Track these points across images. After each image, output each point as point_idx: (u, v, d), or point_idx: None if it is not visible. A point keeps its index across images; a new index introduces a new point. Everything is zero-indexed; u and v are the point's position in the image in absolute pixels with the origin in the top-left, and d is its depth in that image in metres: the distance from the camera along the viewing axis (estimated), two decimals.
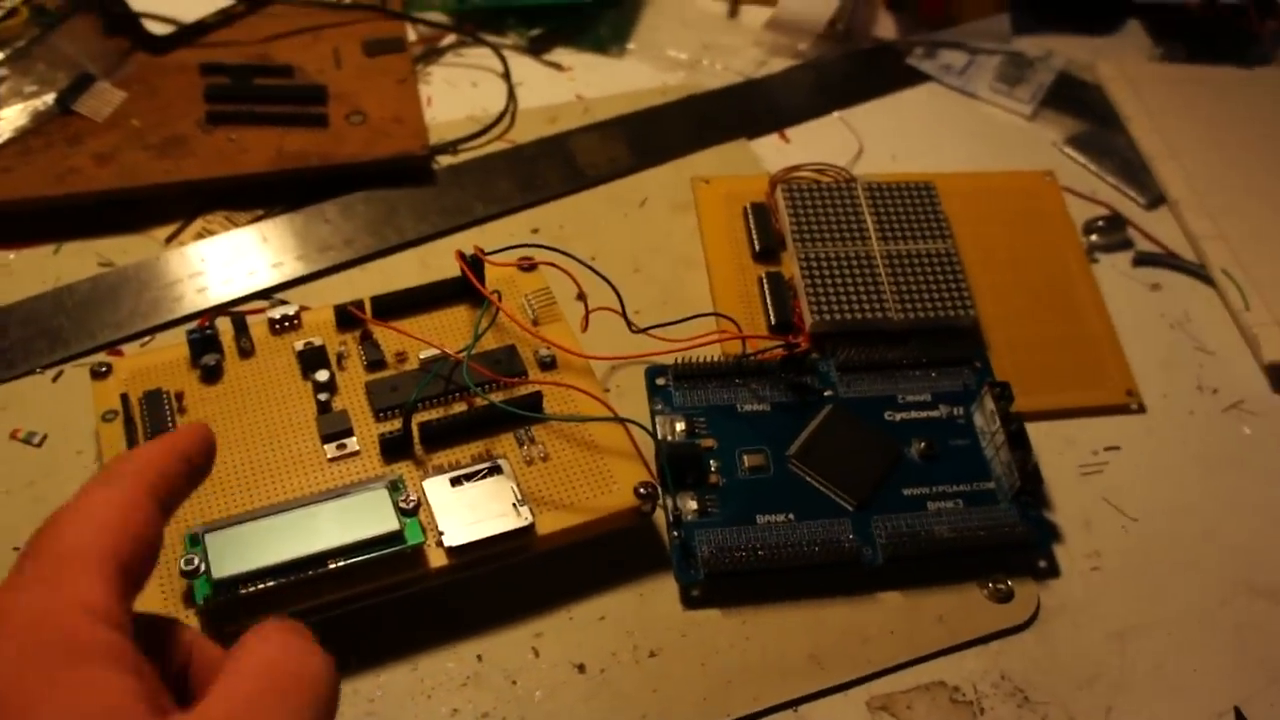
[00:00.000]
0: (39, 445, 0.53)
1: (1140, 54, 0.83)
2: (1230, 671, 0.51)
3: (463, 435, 0.50)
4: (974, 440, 0.56)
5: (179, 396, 0.50)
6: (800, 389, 0.56)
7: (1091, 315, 0.63)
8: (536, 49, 0.76)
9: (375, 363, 0.52)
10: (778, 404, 0.55)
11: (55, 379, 0.55)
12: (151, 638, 0.30)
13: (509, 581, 0.49)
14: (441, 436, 0.50)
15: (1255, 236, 0.68)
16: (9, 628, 0.27)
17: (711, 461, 0.53)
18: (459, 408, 0.51)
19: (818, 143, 0.72)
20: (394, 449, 0.49)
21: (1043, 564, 0.54)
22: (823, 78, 0.77)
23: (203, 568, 0.43)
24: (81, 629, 0.27)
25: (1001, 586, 0.52)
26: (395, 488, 0.47)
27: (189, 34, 0.69)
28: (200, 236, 0.62)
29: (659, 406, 0.54)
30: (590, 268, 0.55)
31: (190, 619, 0.44)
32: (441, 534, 0.46)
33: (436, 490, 0.48)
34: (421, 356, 0.52)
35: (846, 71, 0.78)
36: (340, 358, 0.52)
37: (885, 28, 0.81)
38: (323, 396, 0.51)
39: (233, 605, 0.43)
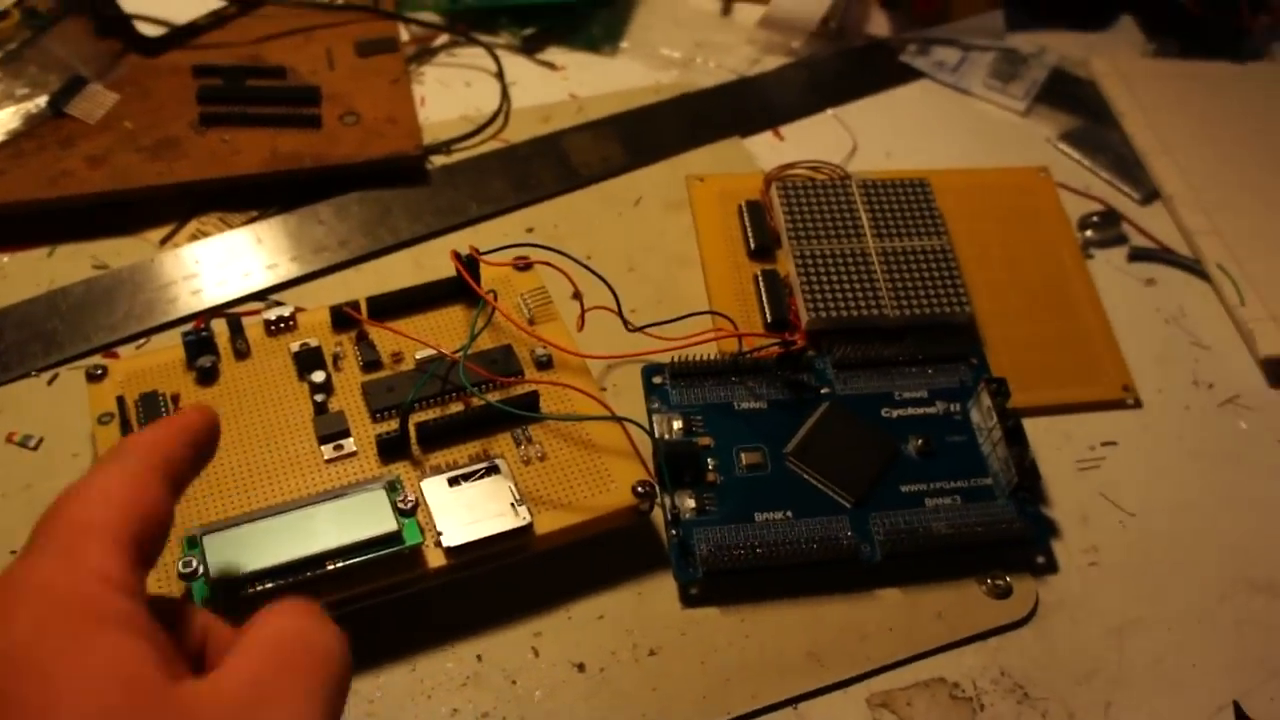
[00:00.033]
0: (35, 448, 0.53)
1: (1133, 49, 0.83)
2: (1229, 666, 0.51)
3: (460, 435, 0.50)
4: (971, 436, 0.56)
5: (175, 399, 0.50)
6: (797, 386, 0.56)
7: (1087, 311, 0.63)
8: (529, 48, 0.76)
9: (371, 363, 0.52)
10: (775, 402, 0.55)
11: (50, 382, 0.55)
12: (166, 618, 0.30)
13: (507, 581, 0.49)
14: (439, 437, 0.50)
15: (1250, 231, 0.69)
16: (26, 597, 0.28)
17: (709, 460, 0.53)
18: (456, 408, 0.51)
19: (812, 140, 0.72)
20: (391, 449, 0.49)
21: (1041, 560, 0.54)
22: (816, 75, 0.77)
23: (200, 570, 0.42)
24: (98, 597, 0.28)
25: (1000, 582, 0.52)
26: (393, 488, 0.47)
27: (181, 35, 0.69)
28: (195, 238, 0.61)
29: (656, 405, 0.54)
30: (586, 267, 0.55)
31: None
32: (440, 534, 0.46)
33: (434, 490, 0.48)
34: (418, 357, 0.52)
35: (840, 69, 0.78)
36: (336, 358, 0.52)
37: (878, 25, 0.81)
38: (319, 397, 0.51)
39: (231, 607, 0.43)
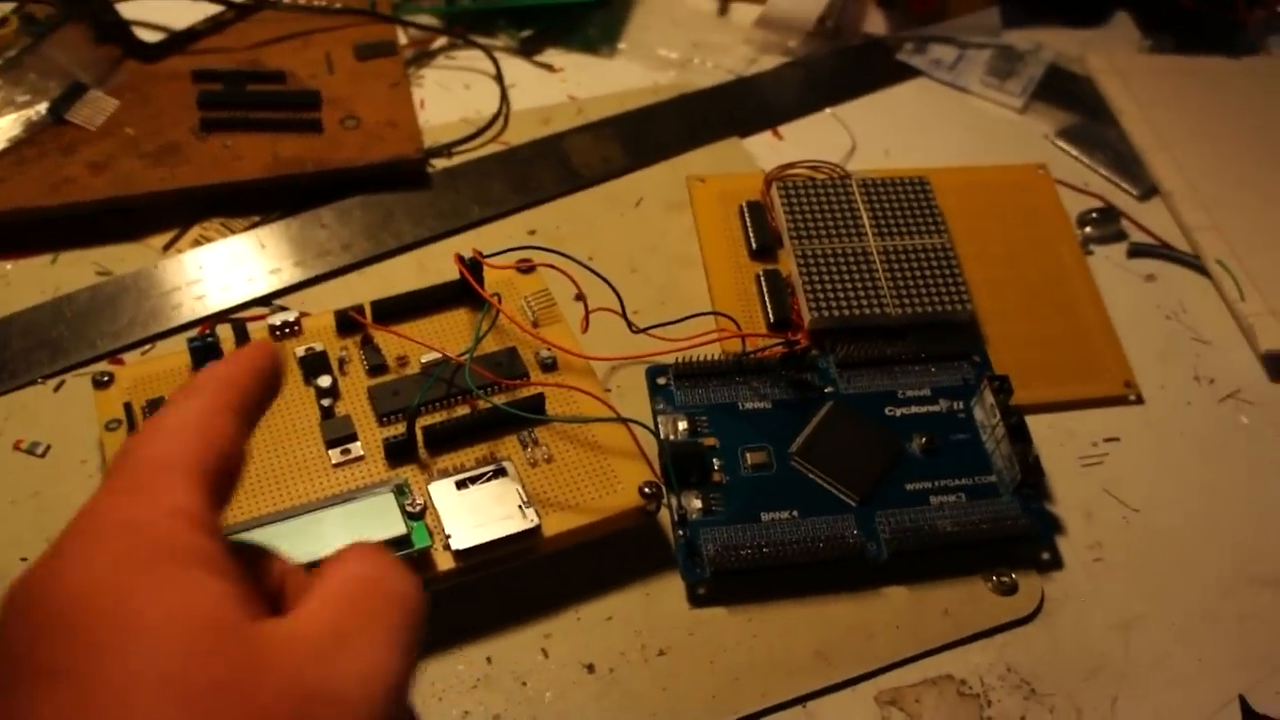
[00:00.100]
0: (42, 455, 0.53)
1: (1129, 46, 0.83)
2: (1234, 660, 0.52)
3: (466, 438, 0.50)
4: (974, 434, 0.56)
5: None
6: (801, 386, 0.56)
7: (1088, 307, 0.64)
8: (528, 50, 0.76)
9: (377, 367, 0.52)
10: (779, 401, 0.55)
11: (57, 389, 0.55)
12: (243, 559, 0.29)
13: (516, 583, 0.49)
14: (445, 440, 0.50)
15: (1248, 226, 0.69)
16: (104, 535, 0.27)
17: (714, 460, 0.53)
18: (462, 411, 0.51)
19: (810, 140, 0.72)
20: (398, 453, 0.49)
21: (1046, 556, 0.54)
22: (814, 75, 0.77)
23: None
24: (176, 533, 0.27)
25: (1005, 579, 0.52)
26: (401, 491, 0.47)
27: (180, 41, 0.69)
28: (197, 244, 0.61)
29: (661, 406, 0.55)
30: (589, 268, 0.55)
31: None
32: (448, 537, 0.46)
33: (442, 493, 0.48)
34: (423, 360, 0.52)
35: (837, 68, 0.78)
36: (342, 363, 0.52)
37: (875, 23, 0.81)
38: (325, 402, 0.51)
39: None
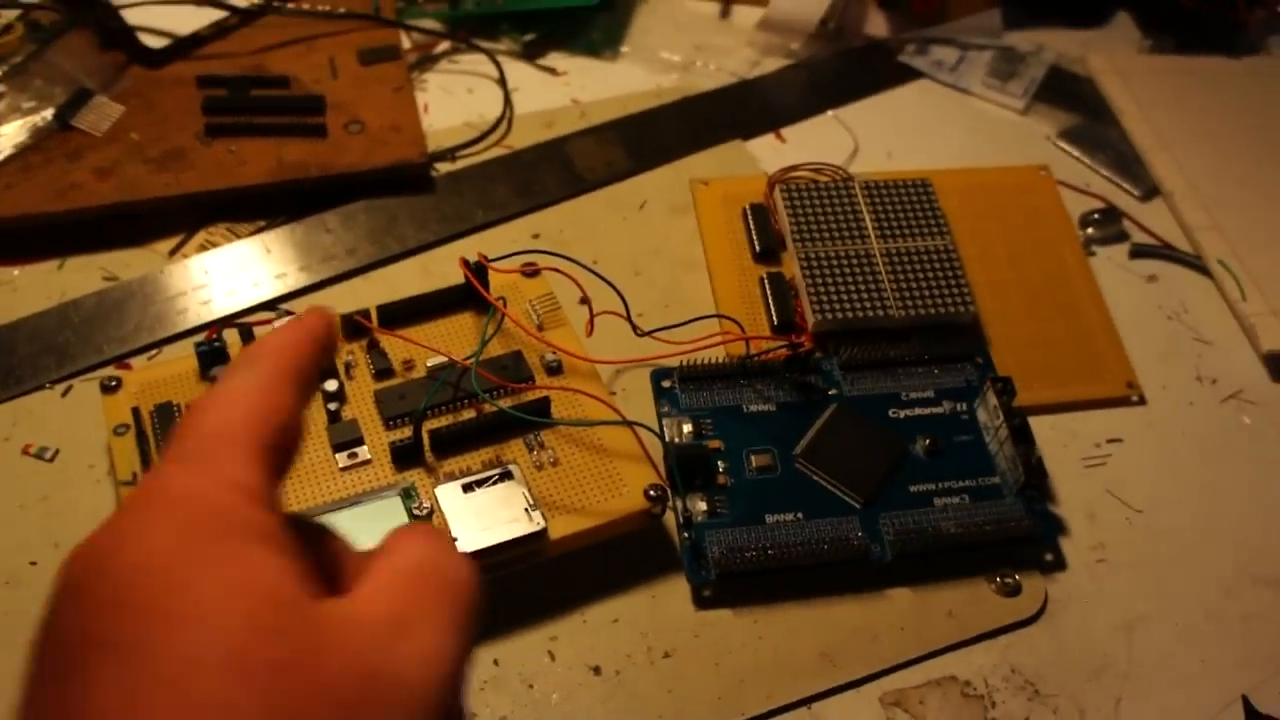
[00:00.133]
0: (51, 460, 0.53)
1: (1130, 46, 0.84)
2: (1237, 660, 0.52)
3: (472, 441, 0.51)
4: (978, 436, 0.56)
5: (190, 409, 0.50)
6: (805, 388, 0.56)
7: (1090, 308, 0.64)
8: (531, 54, 0.76)
9: (383, 371, 0.53)
10: (783, 404, 0.56)
11: (64, 394, 0.55)
12: (302, 538, 0.29)
13: (522, 586, 0.49)
14: (452, 443, 0.50)
15: (1250, 226, 0.69)
16: (164, 507, 0.27)
17: (719, 462, 0.53)
18: (468, 414, 0.51)
19: (813, 142, 0.72)
20: (405, 457, 0.50)
21: (1049, 557, 0.54)
22: (816, 77, 0.78)
23: None
24: (237, 508, 0.27)
25: (1009, 580, 0.53)
26: (408, 495, 0.47)
27: (184, 47, 0.69)
28: (203, 249, 0.62)
29: (665, 409, 0.55)
30: (593, 272, 0.56)
31: None
32: (455, 540, 0.46)
33: (449, 497, 0.48)
34: (429, 364, 0.53)
35: (839, 70, 0.78)
36: (348, 367, 0.53)
37: (876, 25, 0.81)
38: (332, 406, 0.51)
39: None
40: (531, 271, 0.57)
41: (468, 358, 0.51)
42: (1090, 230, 0.68)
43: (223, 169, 0.63)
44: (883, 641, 0.50)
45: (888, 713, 0.49)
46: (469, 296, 0.55)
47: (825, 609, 0.51)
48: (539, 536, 0.47)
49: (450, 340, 0.54)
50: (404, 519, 0.46)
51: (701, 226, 0.65)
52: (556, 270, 0.56)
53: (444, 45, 0.75)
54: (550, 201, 0.66)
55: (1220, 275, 0.66)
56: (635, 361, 0.56)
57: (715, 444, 0.54)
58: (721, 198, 0.65)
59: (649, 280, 0.62)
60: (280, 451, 0.30)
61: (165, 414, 0.50)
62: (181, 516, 0.26)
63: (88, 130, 0.63)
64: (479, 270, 0.54)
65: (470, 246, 0.63)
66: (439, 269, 0.62)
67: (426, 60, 0.75)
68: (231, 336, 0.53)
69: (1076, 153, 0.74)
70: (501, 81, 0.73)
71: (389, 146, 0.65)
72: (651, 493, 0.50)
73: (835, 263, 0.60)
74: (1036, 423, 0.56)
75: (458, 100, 0.72)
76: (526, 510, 0.47)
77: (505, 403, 0.51)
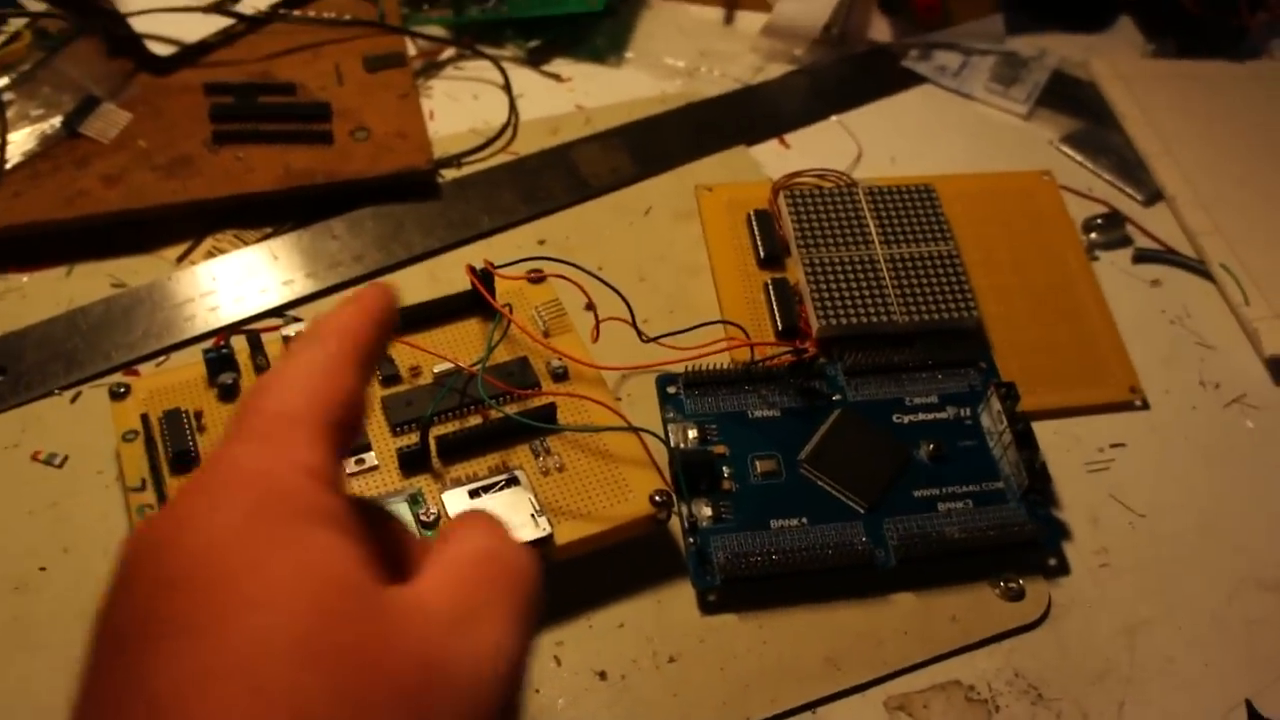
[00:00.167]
0: (60, 466, 0.53)
1: (1133, 50, 0.84)
2: (1240, 665, 0.52)
3: (479, 447, 0.51)
4: (981, 441, 0.56)
5: (198, 415, 0.51)
6: (809, 394, 0.57)
7: (1093, 313, 0.64)
8: (535, 60, 0.76)
9: (390, 377, 0.53)
10: (787, 409, 0.56)
11: (73, 400, 0.56)
12: (366, 522, 0.28)
13: None
14: (458, 449, 0.51)
15: (1252, 230, 0.69)
16: (232, 485, 0.26)
17: (724, 468, 0.54)
18: (474, 420, 0.52)
19: (817, 147, 0.73)
20: (412, 463, 0.50)
21: (1053, 562, 0.54)
22: (819, 82, 0.78)
23: None
24: (306, 490, 0.27)
25: (1013, 585, 0.53)
26: (415, 501, 0.47)
27: (191, 54, 0.69)
28: (210, 255, 0.62)
29: (671, 414, 0.55)
30: (598, 278, 0.56)
31: None
32: None
33: (455, 502, 0.48)
34: (435, 370, 0.53)
35: (843, 75, 0.79)
36: None
37: (880, 31, 0.81)
38: None
39: None
40: (537, 278, 0.57)
41: (474, 364, 0.52)
42: (1093, 235, 0.69)
43: (230, 176, 0.63)
44: (887, 646, 0.51)
45: (892, 717, 0.49)
46: (475, 303, 0.55)
47: (830, 613, 0.52)
48: (545, 542, 0.47)
49: (457, 346, 0.55)
50: (411, 524, 0.46)
51: (706, 232, 0.65)
52: (562, 276, 0.56)
53: (449, 52, 0.76)
54: (556, 208, 0.67)
55: (1223, 279, 0.67)
56: (640, 367, 0.56)
57: (720, 449, 0.54)
58: (726, 204, 0.66)
59: (654, 286, 0.63)
60: (344, 431, 0.29)
61: (173, 420, 0.50)
62: (250, 497, 0.26)
63: (95, 137, 0.64)
64: (485, 277, 0.54)
65: (476, 253, 0.63)
66: (445, 275, 0.62)
67: (432, 67, 0.75)
68: (239, 343, 0.54)
69: (1079, 157, 0.74)
70: (506, 88, 0.73)
71: (395, 153, 0.65)
72: (657, 498, 0.50)
73: (839, 268, 0.60)
74: (1040, 427, 0.56)
75: (463, 106, 0.72)
76: (533, 516, 0.48)
77: (511, 409, 0.51)
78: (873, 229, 0.62)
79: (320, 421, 0.28)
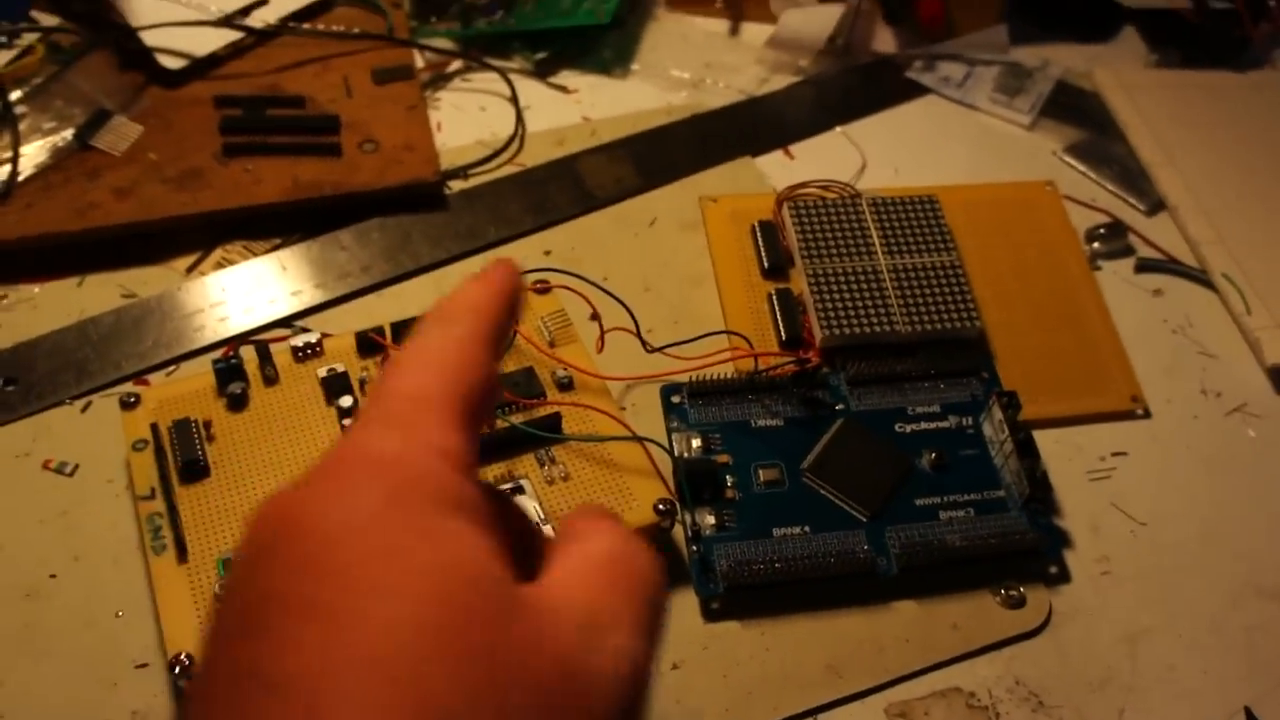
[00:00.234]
0: (70, 475, 0.54)
1: (1136, 61, 0.84)
2: (1240, 672, 0.52)
3: (485, 457, 0.51)
4: (983, 450, 0.57)
5: (207, 425, 0.52)
6: (812, 403, 0.57)
7: (1095, 322, 0.64)
8: (542, 72, 0.77)
9: None
10: (791, 419, 0.56)
11: (84, 410, 0.56)
12: (498, 510, 0.27)
13: None
14: None
15: (1255, 240, 0.70)
16: (367, 467, 0.25)
17: (728, 477, 0.54)
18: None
19: (821, 158, 0.73)
20: None
21: (1054, 570, 0.55)
22: (824, 93, 0.78)
23: None
24: (445, 476, 0.26)
25: (1014, 593, 0.53)
26: None
27: (201, 67, 0.70)
28: (220, 266, 0.63)
29: (675, 424, 0.56)
30: (603, 289, 0.56)
31: None
32: None
33: None
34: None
35: (847, 86, 0.79)
36: (363, 383, 0.54)
37: (884, 42, 0.82)
38: (347, 422, 0.52)
39: None
40: (543, 288, 0.58)
41: None
42: (1096, 245, 0.69)
43: (239, 188, 0.64)
44: (888, 653, 0.51)
45: None
46: None
47: (832, 621, 0.52)
48: None
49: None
50: None
51: (710, 243, 0.65)
52: (567, 287, 0.57)
53: (457, 64, 0.76)
54: (561, 219, 0.67)
55: (1225, 289, 0.67)
56: (645, 377, 0.57)
57: (724, 458, 0.55)
58: (730, 214, 0.66)
59: (659, 296, 0.63)
60: (480, 415, 0.28)
61: (183, 430, 0.51)
62: (389, 481, 0.25)
63: (107, 150, 0.64)
64: None
65: (483, 264, 0.63)
66: (452, 286, 0.62)
67: (439, 79, 0.76)
68: (248, 353, 0.54)
69: (1082, 167, 0.75)
70: (513, 100, 0.74)
71: (403, 165, 0.66)
72: (661, 507, 0.50)
73: (843, 279, 0.61)
74: (1042, 436, 0.57)
75: (470, 118, 0.73)
76: (538, 524, 0.48)
77: (517, 418, 0.52)
78: (876, 239, 0.63)
79: (456, 404, 0.27)
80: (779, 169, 0.72)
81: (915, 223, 0.64)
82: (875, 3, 0.81)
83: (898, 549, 0.53)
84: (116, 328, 0.59)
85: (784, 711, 0.49)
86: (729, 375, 0.57)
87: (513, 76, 0.75)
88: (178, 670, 0.44)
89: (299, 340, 0.54)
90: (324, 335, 0.55)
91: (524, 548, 0.28)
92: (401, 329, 0.55)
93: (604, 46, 0.79)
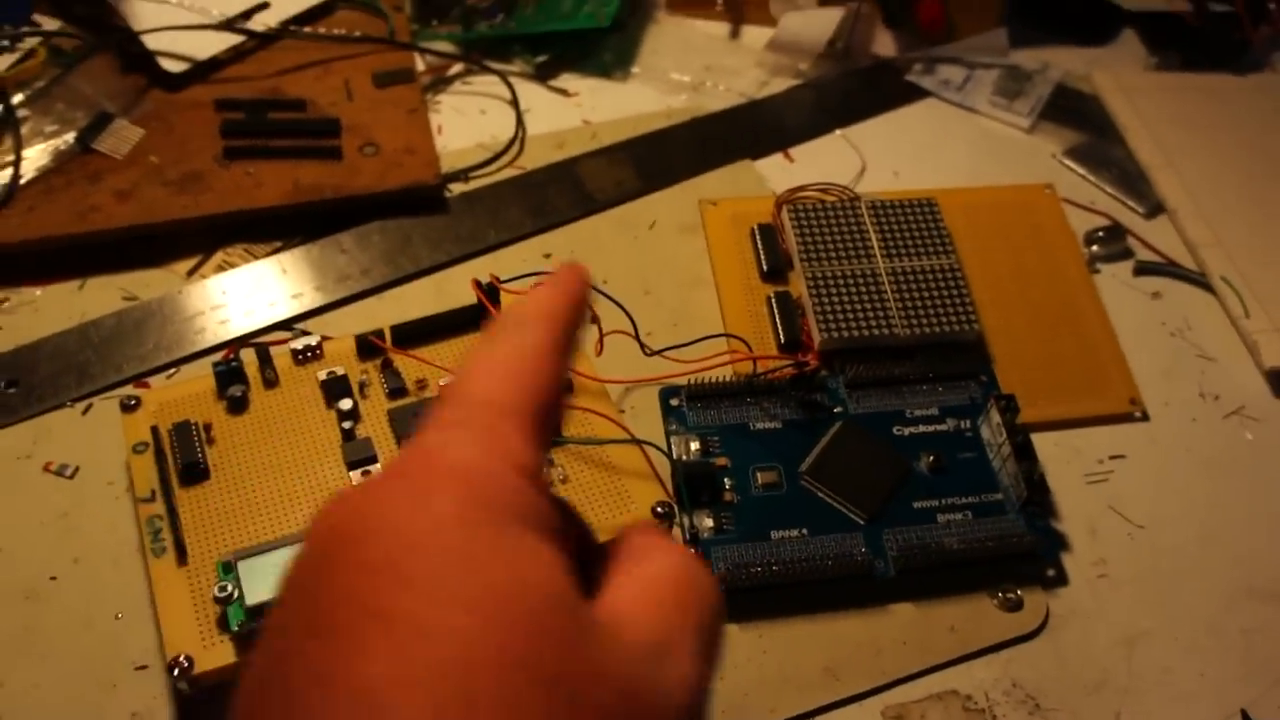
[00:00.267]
0: (71, 477, 0.54)
1: (1136, 63, 0.84)
2: (1237, 675, 0.52)
3: None
4: (981, 453, 0.57)
5: (207, 427, 0.52)
6: (811, 406, 0.57)
7: (1094, 325, 0.65)
8: (543, 75, 0.77)
9: (397, 390, 0.54)
10: (789, 422, 0.57)
11: (84, 412, 0.56)
12: (565, 524, 0.27)
13: None
14: None
15: (1254, 243, 0.70)
16: (445, 474, 0.25)
17: (726, 479, 0.54)
18: None
19: (821, 161, 0.73)
20: None
21: (1051, 573, 0.55)
22: (824, 97, 0.78)
23: (236, 594, 0.44)
24: (519, 489, 0.25)
25: (1011, 596, 0.53)
26: None
27: (203, 70, 0.70)
28: (220, 269, 0.63)
29: (673, 427, 0.56)
30: (602, 292, 0.56)
31: (225, 645, 0.45)
32: None
33: None
34: (441, 383, 0.54)
35: (847, 89, 0.79)
36: (362, 386, 0.54)
37: (884, 45, 0.82)
38: (347, 425, 0.52)
39: None
40: None
41: None
42: (1095, 248, 0.69)
43: (240, 191, 0.64)
44: (885, 656, 0.51)
45: None
46: (481, 317, 0.56)
47: (829, 624, 0.52)
48: None
49: (463, 360, 0.55)
50: None
51: (710, 246, 0.66)
52: None
53: (457, 67, 0.77)
54: (561, 221, 0.67)
55: (1224, 292, 0.67)
56: (644, 380, 0.57)
57: (722, 461, 0.55)
58: (730, 218, 0.66)
59: (658, 299, 0.63)
60: (551, 425, 0.28)
61: (183, 432, 0.51)
62: (464, 490, 0.24)
63: (108, 153, 0.65)
64: (491, 291, 0.55)
65: (483, 266, 0.63)
66: (452, 289, 0.63)
67: (440, 82, 0.76)
68: (248, 356, 0.54)
69: (1082, 170, 0.75)
70: (514, 103, 0.74)
71: (403, 168, 0.66)
72: (659, 509, 0.51)
73: (841, 282, 0.61)
74: (1040, 439, 0.57)
75: (471, 121, 0.73)
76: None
77: None
78: (875, 242, 0.63)
79: (530, 413, 0.27)
80: (779, 172, 0.72)
81: (914, 226, 0.64)
82: (875, 6, 0.81)
83: (895, 551, 0.53)
84: (117, 330, 0.60)
85: (781, 714, 0.49)
86: (728, 378, 0.57)
87: (513, 79, 0.75)
88: (177, 672, 0.44)
89: (299, 343, 0.55)
90: (324, 338, 0.55)
91: (587, 561, 0.28)
92: (401, 332, 0.55)
93: (604, 49, 0.79)
